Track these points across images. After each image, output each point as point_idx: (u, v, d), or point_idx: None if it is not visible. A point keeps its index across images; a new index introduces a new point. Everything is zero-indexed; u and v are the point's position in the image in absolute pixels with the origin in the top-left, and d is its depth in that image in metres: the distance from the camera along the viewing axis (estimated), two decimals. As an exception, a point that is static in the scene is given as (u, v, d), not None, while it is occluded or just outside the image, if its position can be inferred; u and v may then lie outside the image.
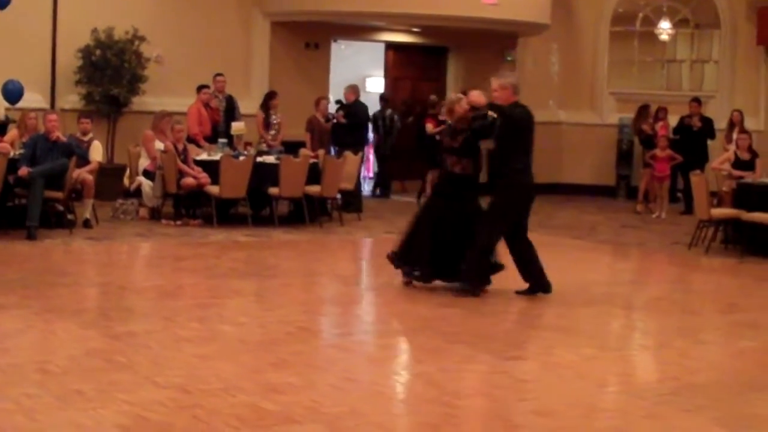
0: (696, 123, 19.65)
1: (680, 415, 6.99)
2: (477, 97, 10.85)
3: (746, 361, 8.89)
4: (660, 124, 20.45)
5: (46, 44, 18.45)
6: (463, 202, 10.87)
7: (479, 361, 8.34)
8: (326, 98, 19.31)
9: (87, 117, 15.88)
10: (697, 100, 20.27)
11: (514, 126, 10.74)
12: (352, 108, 18.88)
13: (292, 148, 17.77)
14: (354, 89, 19.26)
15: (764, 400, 7.48)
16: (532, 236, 11.05)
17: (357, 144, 18.35)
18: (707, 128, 19.90)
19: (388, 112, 21.33)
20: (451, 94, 11.30)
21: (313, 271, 13.02)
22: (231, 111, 18.35)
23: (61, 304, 9.92)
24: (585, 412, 7.07)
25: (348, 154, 17.42)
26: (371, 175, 23.66)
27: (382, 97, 21.70)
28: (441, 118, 10.81)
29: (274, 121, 18.38)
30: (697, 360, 8.83)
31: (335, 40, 22.24)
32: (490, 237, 10.79)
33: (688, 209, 18.76)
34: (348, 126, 18.62)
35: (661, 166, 19.35)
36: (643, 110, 21.10)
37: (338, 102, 19.28)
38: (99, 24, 18.41)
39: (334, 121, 18.70)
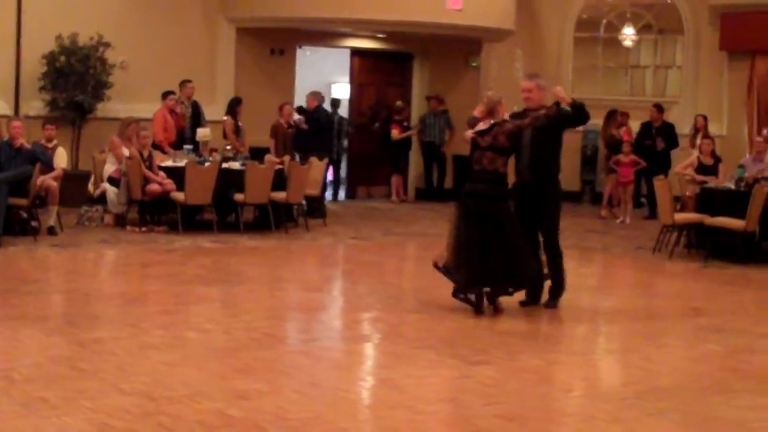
0: (660, 144, 19.67)
1: (644, 419, 7.04)
2: (560, 92, 10.98)
3: (710, 364, 8.95)
4: (623, 129, 20.53)
5: (10, 50, 18.35)
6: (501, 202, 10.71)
7: (445, 366, 8.36)
8: (289, 104, 19.29)
9: (52, 123, 15.80)
10: (658, 107, 20.34)
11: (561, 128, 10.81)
12: (314, 114, 18.85)
13: (257, 154, 17.74)
14: (316, 96, 19.24)
15: (727, 404, 7.53)
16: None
17: (320, 149, 18.31)
18: (668, 137, 19.93)
19: (337, 116, 21.39)
20: (491, 93, 11.13)
21: (278, 278, 13.02)
22: (197, 117, 18.34)
23: (25, 311, 9.87)
24: (550, 416, 7.11)
25: (313, 160, 17.42)
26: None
27: (333, 102, 21.72)
28: (478, 116, 10.61)
29: (242, 127, 18.41)
30: (660, 364, 8.89)
31: (300, 47, 22.23)
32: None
33: (652, 214, 18.86)
34: (310, 132, 18.58)
35: (625, 171, 19.43)
36: (611, 115, 21.19)
37: (299, 108, 19.26)
38: (63, 30, 18.32)
39: (297, 127, 18.65)
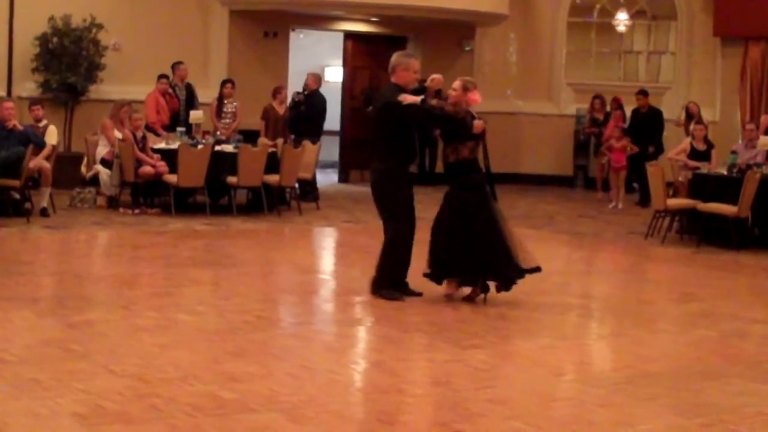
0: (633, 149, 19.53)
1: (635, 404, 7.05)
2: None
3: (701, 349, 8.97)
4: (615, 113, 20.53)
5: (3, 32, 18.33)
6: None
7: (436, 350, 8.38)
8: (285, 88, 19.23)
9: (37, 103, 15.76)
10: (643, 92, 20.30)
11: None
12: (311, 98, 18.76)
13: (249, 137, 17.74)
14: (316, 78, 19.16)
15: (718, 389, 7.55)
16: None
17: (314, 134, 18.29)
18: (651, 123, 19.86)
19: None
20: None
21: (271, 261, 13.03)
22: (191, 100, 18.33)
23: (17, 292, 9.87)
24: (541, 400, 7.12)
25: (306, 143, 17.41)
26: None
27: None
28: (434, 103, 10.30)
29: (228, 110, 18.38)
30: (652, 349, 8.91)
31: (294, 29, 22.19)
32: None
33: (644, 201, 18.88)
34: (306, 115, 18.53)
35: (617, 157, 19.45)
36: (594, 99, 21.42)
37: (303, 90, 19.00)
38: (56, 11, 18.30)
39: (297, 107, 18.54)
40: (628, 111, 20.56)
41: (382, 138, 10.37)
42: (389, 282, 10.30)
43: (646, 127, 19.75)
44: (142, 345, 8.10)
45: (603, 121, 20.88)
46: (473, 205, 10.10)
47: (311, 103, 18.65)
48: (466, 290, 10.30)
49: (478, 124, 10.10)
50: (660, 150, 19.48)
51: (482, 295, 10.27)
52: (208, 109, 18.41)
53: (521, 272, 10.15)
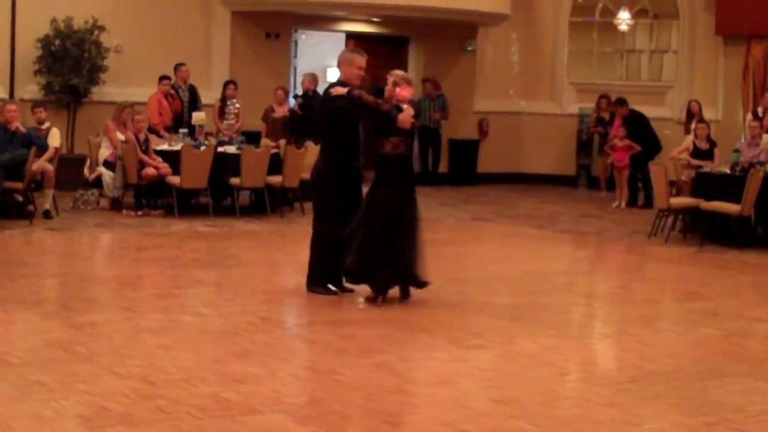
0: (635, 148, 19.44)
1: (640, 403, 7.05)
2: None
3: (705, 349, 8.97)
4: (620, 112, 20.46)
5: (5, 34, 18.32)
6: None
7: (440, 350, 8.37)
8: (282, 88, 19.18)
9: (40, 106, 15.78)
10: (620, 101, 20.07)
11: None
12: (308, 99, 18.65)
13: (252, 138, 17.74)
14: (313, 78, 19.12)
15: (722, 388, 7.54)
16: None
17: (313, 135, 18.18)
18: (636, 127, 19.76)
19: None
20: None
21: (274, 261, 13.03)
22: (194, 101, 18.31)
23: (21, 294, 9.88)
24: (545, 400, 7.12)
25: (309, 144, 17.38)
26: None
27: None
28: (409, 97, 10.20)
29: (231, 111, 18.39)
30: (656, 348, 8.90)
31: (296, 30, 22.19)
32: None
33: (646, 200, 18.82)
34: (304, 117, 18.44)
35: (619, 156, 19.45)
36: (600, 98, 21.37)
37: (304, 92, 18.95)
38: (58, 13, 18.30)
39: (293, 113, 18.54)
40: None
41: (323, 135, 10.46)
42: (320, 277, 10.29)
43: (633, 131, 19.60)
44: (146, 346, 8.10)
45: (608, 121, 20.82)
46: (388, 203, 9.95)
47: (309, 104, 18.56)
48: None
49: (402, 118, 9.90)
50: (657, 148, 19.40)
51: (380, 297, 10.04)
52: (211, 110, 18.41)
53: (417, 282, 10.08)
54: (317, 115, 10.33)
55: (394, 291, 10.15)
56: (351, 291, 10.33)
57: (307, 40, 23.57)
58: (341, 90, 10.10)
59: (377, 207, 9.96)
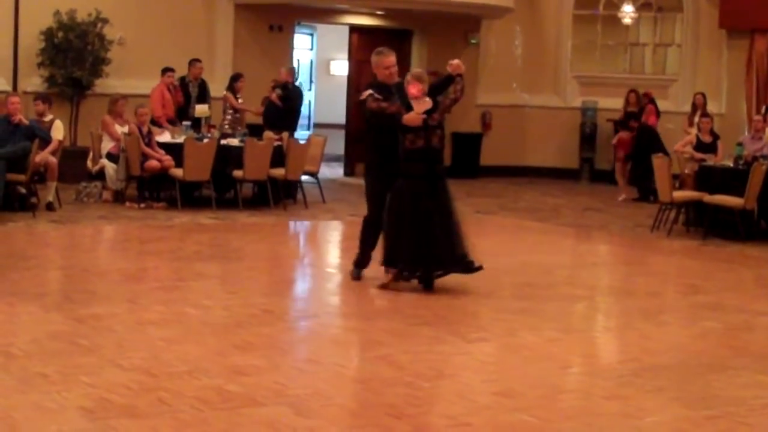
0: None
1: (642, 396, 7.05)
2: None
3: (707, 342, 8.97)
4: (648, 107, 20.20)
5: (9, 26, 18.32)
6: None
7: (443, 343, 8.37)
8: (274, 80, 19.17)
9: (38, 98, 15.76)
10: (633, 91, 20.08)
11: None
12: (285, 90, 18.60)
13: (255, 130, 17.74)
14: (289, 71, 19.06)
15: (725, 381, 7.54)
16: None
17: (288, 127, 18.15)
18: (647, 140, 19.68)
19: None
20: (421, 70, 10.88)
21: (277, 254, 13.04)
22: (203, 96, 18.26)
23: (24, 287, 9.88)
24: (548, 393, 7.12)
25: (313, 136, 17.38)
26: None
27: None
28: (418, 94, 10.27)
29: (241, 104, 18.44)
30: (658, 341, 8.90)
31: (299, 23, 22.18)
32: None
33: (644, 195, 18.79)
34: (284, 108, 18.43)
35: (624, 149, 19.46)
36: (630, 94, 21.18)
37: (281, 86, 18.91)
38: (61, 6, 18.30)
39: (273, 103, 18.51)
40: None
41: (365, 133, 10.90)
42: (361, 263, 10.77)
43: (644, 146, 19.44)
44: (148, 339, 8.11)
45: (637, 115, 20.62)
46: (407, 194, 10.16)
47: (287, 96, 18.53)
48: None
49: (408, 117, 10.06)
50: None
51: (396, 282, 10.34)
52: (217, 104, 18.42)
53: (467, 266, 10.27)
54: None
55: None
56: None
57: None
58: (365, 94, 10.34)
59: (399, 198, 10.18)
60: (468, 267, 10.27)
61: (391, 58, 10.56)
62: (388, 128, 10.24)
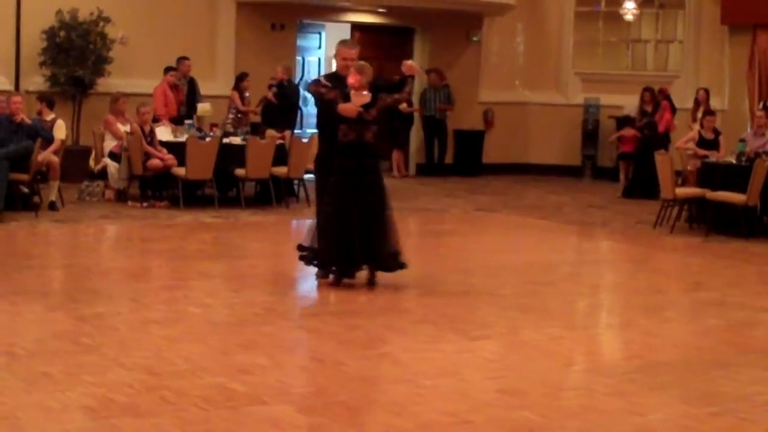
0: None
1: (645, 393, 7.05)
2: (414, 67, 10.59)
3: (710, 339, 8.97)
4: (663, 104, 20.13)
5: (10, 26, 18.33)
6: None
7: (445, 341, 8.37)
8: (272, 78, 19.17)
9: (39, 99, 15.78)
10: (648, 89, 20.06)
11: None
12: (282, 89, 18.61)
13: (257, 129, 17.75)
14: (286, 69, 19.07)
15: (728, 378, 7.54)
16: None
17: (287, 125, 18.17)
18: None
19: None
20: (364, 63, 10.71)
21: (280, 252, 13.03)
22: (192, 94, 18.26)
23: (27, 286, 9.90)
24: (551, 390, 7.12)
25: (314, 135, 17.36)
26: None
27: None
28: (358, 87, 10.22)
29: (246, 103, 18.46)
30: (661, 338, 8.90)
31: (301, 21, 22.18)
32: None
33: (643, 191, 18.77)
34: (280, 106, 18.42)
35: (627, 147, 19.45)
36: (644, 92, 21.09)
37: (276, 84, 18.91)
38: (63, 5, 18.30)
39: (268, 101, 18.51)
40: (634, 99, 20.45)
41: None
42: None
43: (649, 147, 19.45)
44: (151, 338, 8.11)
45: (652, 113, 20.55)
46: (337, 189, 10.14)
47: (283, 94, 18.51)
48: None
49: (343, 107, 10.00)
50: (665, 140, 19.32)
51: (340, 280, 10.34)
52: (216, 102, 18.41)
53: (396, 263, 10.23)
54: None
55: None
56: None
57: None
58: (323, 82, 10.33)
59: (329, 193, 10.16)
60: (391, 265, 10.22)
61: (351, 51, 10.50)
62: (333, 119, 10.17)
